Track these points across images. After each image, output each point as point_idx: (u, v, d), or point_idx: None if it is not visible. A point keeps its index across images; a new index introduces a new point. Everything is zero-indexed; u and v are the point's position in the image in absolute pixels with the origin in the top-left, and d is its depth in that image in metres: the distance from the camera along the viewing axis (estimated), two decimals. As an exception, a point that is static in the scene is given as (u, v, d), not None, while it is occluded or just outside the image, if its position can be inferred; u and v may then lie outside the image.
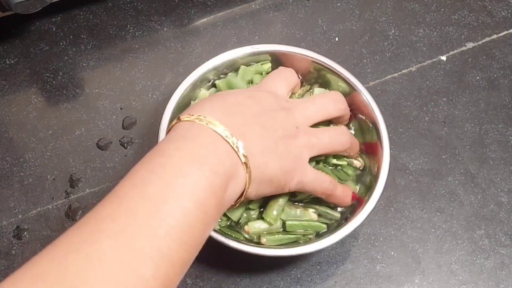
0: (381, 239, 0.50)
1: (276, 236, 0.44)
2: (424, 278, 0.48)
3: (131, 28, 0.59)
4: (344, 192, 0.44)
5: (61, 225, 0.49)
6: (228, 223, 0.44)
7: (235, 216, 0.44)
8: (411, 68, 0.59)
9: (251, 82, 0.49)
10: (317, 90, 0.49)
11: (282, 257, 0.46)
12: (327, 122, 0.47)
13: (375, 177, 0.45)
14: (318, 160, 0.45)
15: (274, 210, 0.43)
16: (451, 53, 0.60)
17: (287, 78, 0.47)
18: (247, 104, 0.40)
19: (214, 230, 0.42)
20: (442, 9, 0.62)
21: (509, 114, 0.56)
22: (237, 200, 0.39)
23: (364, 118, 0.48)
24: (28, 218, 0.49)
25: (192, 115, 0.38)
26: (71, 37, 0.58)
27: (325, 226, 0.45)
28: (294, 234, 0.44)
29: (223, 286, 0.48)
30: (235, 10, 0.61)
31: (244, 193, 0.38)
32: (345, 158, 0.47)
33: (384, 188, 0.44)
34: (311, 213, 0.45)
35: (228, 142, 0.36)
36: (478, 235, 0.50)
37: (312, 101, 0.45)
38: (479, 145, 0.55)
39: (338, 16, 0.61)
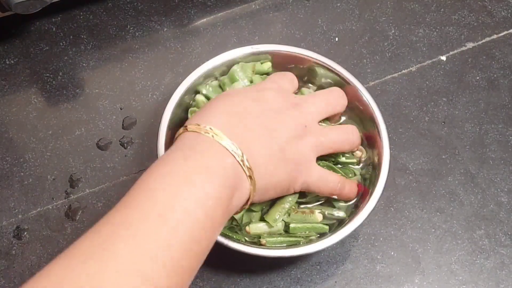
0: (381, 239, 0.50)
1: (277, 238, 0.44)
2: (424, 278, 0.48)
3: (131, 28, 0.59)
4: (351, 189, 0.44)
5: (61, 225, 0.49)
6: (230, 225, 0.44)
7: (237, 216, 0.44)
8: (411, 68, 0.59)
9: (251, 81, 0.49)
10: (305, 90, 0.49)
11: (283, 257, 0.46)
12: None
13: (375, 177, 0.45)
14: (326, 159, 0.45)
15: (277, 213, 0.43)
16: (451, 53, 0.60)
17: (292, 79, 0.47)
18: (253, 109, 0.40)
19: None
20: (442, 9, 0.62)
21: (509, 114, 0.56)
22: (242, 206, 0.39)
23: (361, 108, 0.48)
24: (28, 218, 0.49)
25: (199, 125, 0.38)
26: (71, 37, 0.58)
27: (327, 227, 0.45)
28: (296, 237, 0.44)
29: (223, 286, 0.48)
30: (235, 10, 0.61)
31: (249, 201, 0.39)
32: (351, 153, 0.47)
33: (384, 188, 0.44)
34: (317, 214, 0.45)
35: (234, 156, 0.37)
36: (478, 235, 0.50)
37: (319, 97, 0.45)
38: (479, 145, 0.55)
39: (338, 16, 0.61)
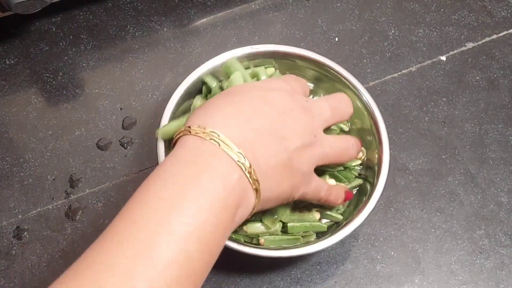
0: (381, 239, 0.50)
1: (275, 237, 0.44)
2: (424, 278, 0.48)
3: (131, 28, 0.59)
4: (337, 195, 0.43)
5: (61, 225, 0.49)
6: None
7: None
8: (411, 68, 0.59)
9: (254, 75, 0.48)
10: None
11: (282, 257, 0.46)
12: None
13: (375, 177, 0.45)
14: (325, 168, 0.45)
15: (275, 214, 0.43)
16: (451, 53, 0.60)
17: (304, 85, 0.44)
18: (262, 111, 0.37)
19: None
20: (442, 9, 0.62)
21: (509, 114, 0.56)
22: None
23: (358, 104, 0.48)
24: (28, 218, 0.49)
25: (204, 128, 0.35)
26: (71, 37, 0.58)
27: (325, 226, 0.45)
28: (294, 236, 0.44)
29: (223, 286, 0.48)
30: (235, 10, 0.61)
31: (250, 214, 0.37)
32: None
33: (384, 188, 0.44)
34: (315, 212, 0.45)
35: (241, 168, 0.34)
36: (478, 235, 0.50)
37: (327, 103, 0.43)
38: (479, 145, 0.55)
39: (338, 16, 0.61)
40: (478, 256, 0.49)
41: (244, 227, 0.44)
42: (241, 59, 0.48)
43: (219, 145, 0.34)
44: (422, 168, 0.53)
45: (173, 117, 0.46)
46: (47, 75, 0.56)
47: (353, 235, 0.50)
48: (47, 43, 0.58)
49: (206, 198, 0.32)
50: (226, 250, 0.41)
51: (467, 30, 0.61)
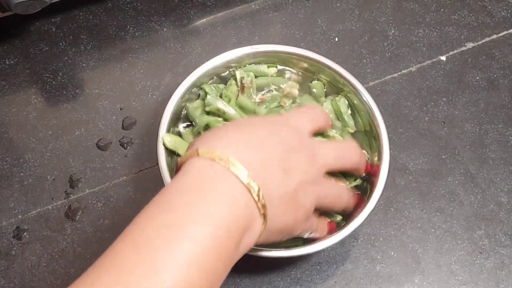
0: (381, 239, 0.50)
1: None
2: (424, 278, 0.48)
3: (131, 28, 0.59)
4: (320, 230, 0.42)
5: (61, 225, 0.49)
6: None
7: None
8: (411, 68, 0.59)
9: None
10: (305, 97, 0.49)
11: (282, 258, 0.46)
12: None
13: (375, 177, 0.45)
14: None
15: None
16: (451, 53, 0.60)
17: (313, 119, 0.42)
18: (270, 143, 0.37)
19: None
20: (442, 9, 0.62)
21: (509, 114, 0.56)
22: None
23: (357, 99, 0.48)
24: (28, 219, 0.49)
25: (214, 151, 0.34)
26: (70, 37, 0.58)
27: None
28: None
29: (223, 286, 0.47)
30: (234, 10, 0.61)
31: (255, 242, 0.36)
32: None
33: (384, 188, 0.44)
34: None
35: (249, 191, 0.34)
36: (478, 235, 0.50)
37: (333, 147, 0.42)
38: (479, 145, 0.55)
39: (338, 16, 0.61)
40: (478, 256, 0.49)
41: None
42: (242, 58, 0.48)
43: (229, 167, 0.34)
44: (422, 168, 0.53)
45: (173, 117, 0.46)
46: (47, 75, 0.56)
47: (353, 235, 0.50)
48: (47, 43, 0.58)
49: (212, 224, 0.32)
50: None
51: (467, 30, 0.61)
